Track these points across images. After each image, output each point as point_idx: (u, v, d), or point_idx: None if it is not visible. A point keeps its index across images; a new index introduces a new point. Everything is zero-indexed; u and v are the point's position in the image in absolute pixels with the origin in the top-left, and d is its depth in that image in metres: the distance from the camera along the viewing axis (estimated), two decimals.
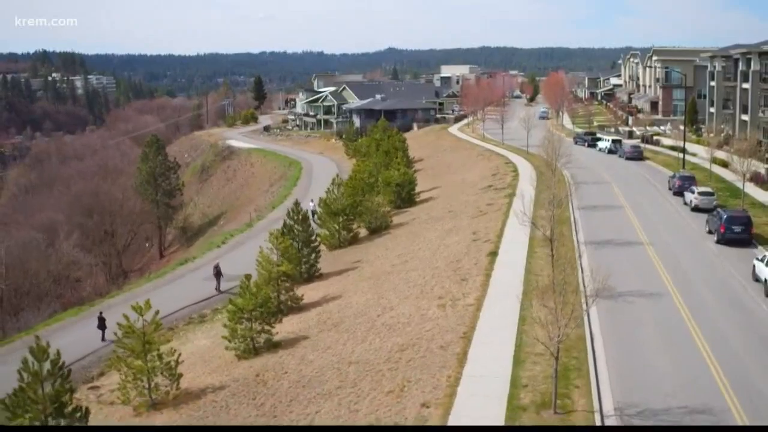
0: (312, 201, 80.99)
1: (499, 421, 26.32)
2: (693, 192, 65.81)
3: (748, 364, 32.40)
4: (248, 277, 44.33)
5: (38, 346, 30.35)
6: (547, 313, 27.43)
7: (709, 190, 66.38)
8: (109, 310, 53.68)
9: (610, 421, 26.90)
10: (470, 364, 31.96)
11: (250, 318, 42.47)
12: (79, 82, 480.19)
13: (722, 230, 52.81)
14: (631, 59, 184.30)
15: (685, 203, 66.95)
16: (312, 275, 58.56)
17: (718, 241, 53.23)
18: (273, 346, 42.63)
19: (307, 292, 53.19)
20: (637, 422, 26.83)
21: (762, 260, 43.48)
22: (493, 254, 50.12)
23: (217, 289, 59.24)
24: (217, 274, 59.70)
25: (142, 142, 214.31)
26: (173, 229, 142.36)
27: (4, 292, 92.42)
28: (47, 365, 30.18)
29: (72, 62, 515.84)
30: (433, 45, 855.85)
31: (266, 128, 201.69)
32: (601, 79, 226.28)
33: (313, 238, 60.17)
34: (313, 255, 59.40)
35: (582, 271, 45.02)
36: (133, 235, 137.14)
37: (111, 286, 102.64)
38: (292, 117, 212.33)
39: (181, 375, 38.39)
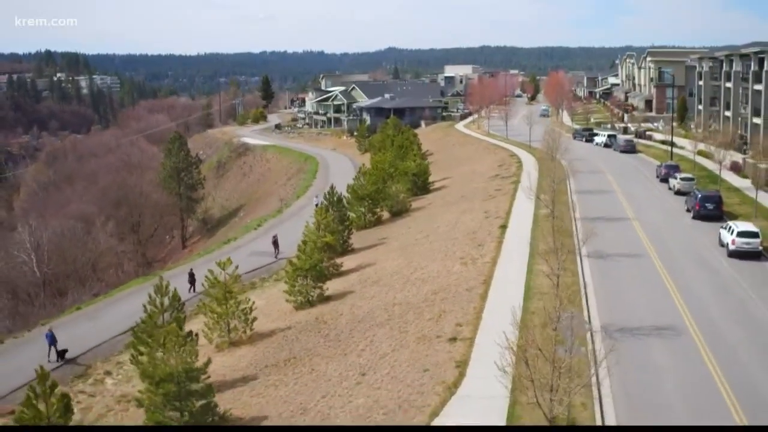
0: (317, 197, 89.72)
1: (514, 331, 35.35)
2: (676, 178, 75.21)
3: (707, 300, 41.82)
4: (304, 242, 53.86)
5: (160, 285, 39.67)
6: (551, 255, 36.76)
7: (689, 176, 75.81)
8: (174, 279, 62.70)
9: (597, 337, 36.01)
10: (490, 300, 41.27)
11: (305, 276, 51.90)
12: (83, 82, 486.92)
13: (697, 207, 62.32)
14: (628, 60, 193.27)
15: (670, 188, 76.29)
16: (346, 249, 67.73)
17: (693, 217, 62.68)
18: (325, 299, 52.08)
19: (344, 262, 62.42)
20: (617, 336, 36.09)
21: (725, 228, 53.00)
22: (504, 227, 59.41)
23: (275, 256, 68.11)
24: (275, 243, 68.81)
25: (155, 140, 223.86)
26: (194, 221, 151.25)
27: (47, 275, 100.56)
28: (167, 300, 39.42)
29: (76, 62, 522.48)
30: (434, 44, 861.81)
31: (278, 126, 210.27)
32: (600, 78, 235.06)
33: (346, 216, 69.67)
34: (347, 231, 68.77)
35: (577, 238, 54.30)
36: (156, 227, 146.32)
37: (139, 274, 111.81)
38: (302, 115, 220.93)
39: (255, 318, 47.75)
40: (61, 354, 46.64)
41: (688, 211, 64.78)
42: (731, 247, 50.87)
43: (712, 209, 61.77)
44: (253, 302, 48.89)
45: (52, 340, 46.72)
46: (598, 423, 27.42)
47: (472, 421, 27.62)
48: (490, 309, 39.74)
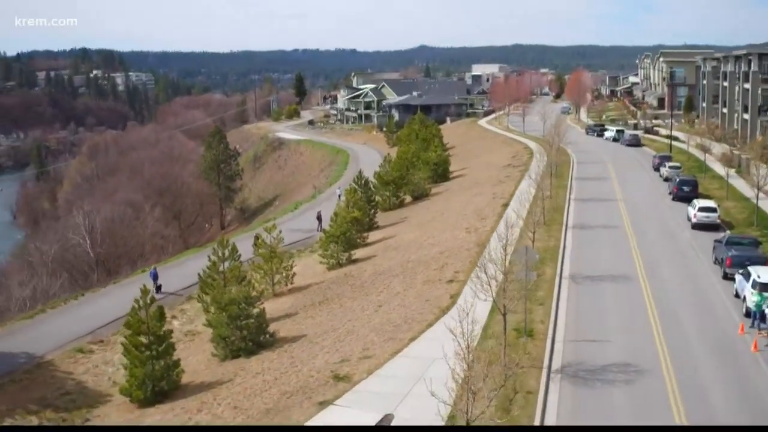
0: (339, 188, 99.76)
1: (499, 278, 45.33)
2: (666, 166, 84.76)
3: (661, 259, 51.58)
4: (336, 214, 64.22)
5: (220, 240, 49.99)
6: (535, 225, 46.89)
7: (677, 165, 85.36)
8: None
9: (564, 282, 45.83)
10: (484, 257, 51.07)
11: (336, 242, 62.17)
12: (119, 79, 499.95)
13: (675, 190, 72.09)
14: (645, 59, 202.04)
15: (660, 176, 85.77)
16: (371, 226, 77.76)
17: (673, 199, 72.35)
18: (352, 261, 62.39)
19: (370, 236, 72.66)
20: (580, 279, 45.94)
21: (692, 206, 62.62)
22: (506, 205, 69.31)
23: (319, 229, 77.69)
24: (319, 218, 78.72)
25: (192, 136, 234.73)
26: (232, 210, 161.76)
27: (100, 255, 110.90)
28: (227, 252, 49.68)
29: (111, 59, 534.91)
30: (466, 43, 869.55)
31: (311, 122, 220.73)
32: (621, 77, 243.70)
33: (372, 198, 79.94)
34: (372, 211, 78.91)
35: (566, 213, 64.49)
36: (196, 215, 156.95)
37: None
38: (334, 112, 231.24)
39: (294, 274, 58.06)
40: (158, 288, 57.92)
41: (670, 194, 74.28)
42: (693, 220, 60.69)
43: (688, 191, 71.16)
44: (294, 261, 59.28)
45: (155, 276, 59.46)
46: (550, 330, 37.30)
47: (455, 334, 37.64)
48: (482, 261, 49.59)
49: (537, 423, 28.01)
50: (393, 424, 28.39)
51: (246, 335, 42.56)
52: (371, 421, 28.64)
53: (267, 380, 36.61)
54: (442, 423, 26.05)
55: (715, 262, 50.36)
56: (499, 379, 24.84)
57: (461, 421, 22.91)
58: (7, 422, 38.83)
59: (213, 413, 34.49)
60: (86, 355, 49.12)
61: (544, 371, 32.67)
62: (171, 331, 40.57)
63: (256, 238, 69.18)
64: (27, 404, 40.83)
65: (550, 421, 28.34)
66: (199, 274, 51.85)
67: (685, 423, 28.21)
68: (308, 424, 29.24)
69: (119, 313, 53.36)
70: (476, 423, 22.69)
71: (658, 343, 35.94)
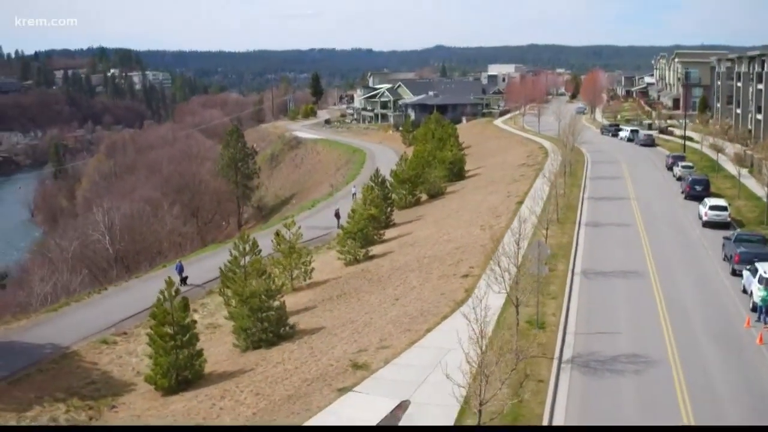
0: (354, 187, 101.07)
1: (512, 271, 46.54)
2: (678, 166, 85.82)
3: (672, 256, 52.70)
4: (353, 211, 65.60)
5: (242, 235, 51.35)
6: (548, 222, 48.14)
7: (689, 164, 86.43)
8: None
9: (576, 278, 47.01)
10: (498, 251, 52.31)
11: (354, 238, 63.52)
12: (136, 78, 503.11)
13: (687, 189, 73.19)
14: (661, 60, 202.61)
15: (673, 175, 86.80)
16: (388, 224, 79.07)
17: (685, 198, 73.42)
18: (369, 257, 63.73)
19: (386, 233, 74.06)
20: (592, 275, 47.11)
21: (703, 204, 63.67)
22: (520, 203, 70.52)
23: (338, 226, 78.84)
24: (337, 215, 79.93)
25: (209, 134, 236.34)
26: (249, 208, 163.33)
27: (119, 251, 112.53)
28: (248, 246, 51.04)
29: (128, 59, 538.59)
30: (482, 43, 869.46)
31: (327, 121, 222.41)
32: (636, 77, 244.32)
33: (389, 195, 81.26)
34: (389, 208, 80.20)
35: (580, 212, 65.67)
36: (214, 213, 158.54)
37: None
38: (351, 111, 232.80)
39: (313, 269, 59.41)
40: (183, 280, 59.51)
41: (682, 192, 75.33)
42: (704, 218, 61.85)
43: (700, 190, 72.23)
44: (312, 256, 60.68)
45: (180, 269, 61.21)
46: (561, 322, 38.51)
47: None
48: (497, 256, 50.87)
49: (547, 408, 29.26)
50: (409, 409, 29.69)
51: (267, 327, 43.98)
52: (389, 406, 29.98)
53: (288, 369, 38.02)
54: (457, 405, 27.33)
55: (724, 259, 51.47)
56: (511, 364, 26.21)
57: (475, 403, 24.13)
58: (35, 409, 40.27)
59: (236, 399, 35.91)
60: (110, 346, 50.52)
61: (555, 361, 33.90)
62: (195, 322, 42.01)
63: (277, 234, 70.68)
64: (54, 392, 42.20)
65: (560, 406, 29.57)
66: (220, 268, 53.25)
67: (690, 412, 29.27)
68: (328, 408, 30.58)
69: (141, 306, 54.87)
70: (488, 404, 23.98)
71: (666, 336, 37.11)
